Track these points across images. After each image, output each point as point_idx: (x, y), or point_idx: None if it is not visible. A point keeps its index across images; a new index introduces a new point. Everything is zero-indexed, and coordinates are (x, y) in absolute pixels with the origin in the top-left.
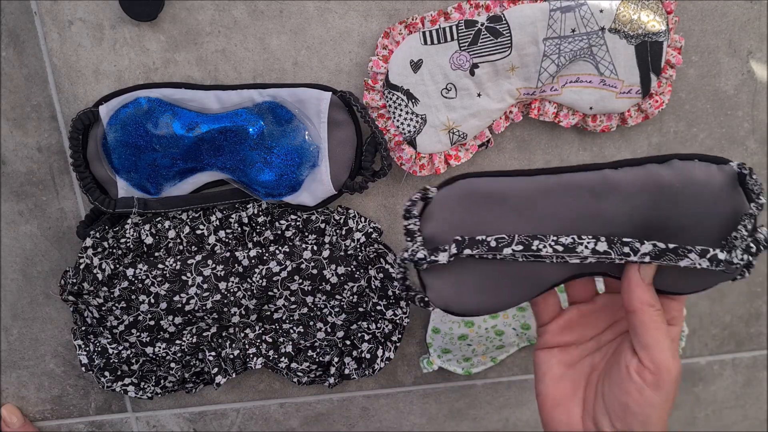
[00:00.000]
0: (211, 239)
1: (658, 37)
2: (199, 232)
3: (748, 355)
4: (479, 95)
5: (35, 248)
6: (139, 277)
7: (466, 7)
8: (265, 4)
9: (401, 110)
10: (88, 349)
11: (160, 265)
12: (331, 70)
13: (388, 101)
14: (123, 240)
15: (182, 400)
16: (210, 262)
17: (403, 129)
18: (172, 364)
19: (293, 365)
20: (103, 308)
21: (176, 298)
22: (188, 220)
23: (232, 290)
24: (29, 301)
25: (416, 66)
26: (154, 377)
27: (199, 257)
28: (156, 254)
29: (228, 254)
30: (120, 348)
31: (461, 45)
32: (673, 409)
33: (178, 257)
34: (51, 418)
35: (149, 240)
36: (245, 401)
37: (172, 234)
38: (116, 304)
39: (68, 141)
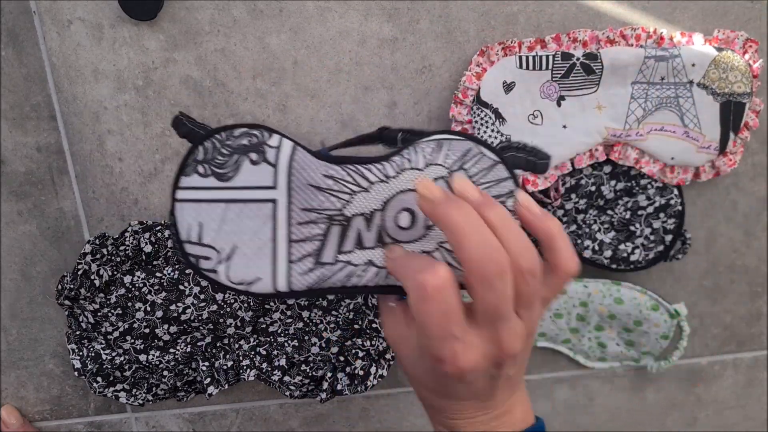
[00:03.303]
0: None
1: (742, 99)
2: None
3: (749, 356)
4: (565, 127)
5: (34, 248)
6: (137, 285)
7: (564, 40)
8: (264, 3)
9: (487, 127)
10: (81, 353)
11: (158, 274)
12: (330, 69)
13: (474, 117)
14: (122, 248)
15: (182, 401)
16: None
17: None
18: (165, 372)
19: (286, 378)
20: (99, 314)
21: (172, 307)
22: None
23: (228, 301)
24: (28, 301)
25: (508, 87)
26: (146, 384)
27: None
28: (154, 263)
29: None
30: (113, 354)
31: (554, 76)
32: (673, 409)
33: (177, 266)
34: (50, 419)
35: (148, 248)
36: (245, 401)
37: (171, 243)
38: (112, 311)
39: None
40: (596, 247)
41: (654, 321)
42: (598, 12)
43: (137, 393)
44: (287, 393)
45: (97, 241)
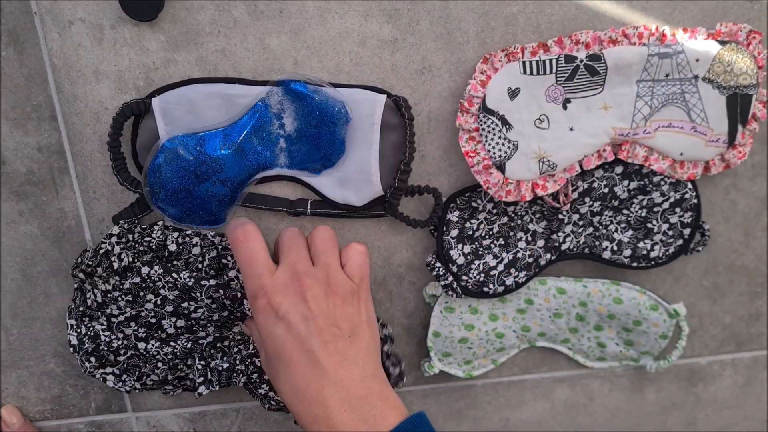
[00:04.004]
0: (232, 273)
1: (749, 90)
2: (224, 261)
3: (749, 356)
4: (572, 129)
5: (35, 248)
6: (152, 278)
7: (567, 42)
8: (264, 4)
9: (494, 135)
10: (79, 330)
11: (174, 275)
12: (330, 70)
13: (481, 125)
14: (148, 239)
15: (182, 400)
16: (221, 291)
17: (494, 153)
18: (159, 364)
19: (270, 394)
20: (108, 295)
21: (184, 305)
22: (219, 245)
23: (242, 310)
24: (29, 301)
25: (513, 94)
26: (137, 372)
27: (213, 282)
28: (174, 263)
29: (239, 294)
30: (112, 337)
31: (558, 79)
32: (672, 409)
33: (195, 275)
34: (51, 418)
35: (173, 247)
36: (245, 401)
37: (196, 251)
38: (123, 296)
39: (111, 121)
40: (615, 248)
41: (653, 321)
42: (597, 12)
43: (126, 379)
44: (266, 406)
45: (125, 225)
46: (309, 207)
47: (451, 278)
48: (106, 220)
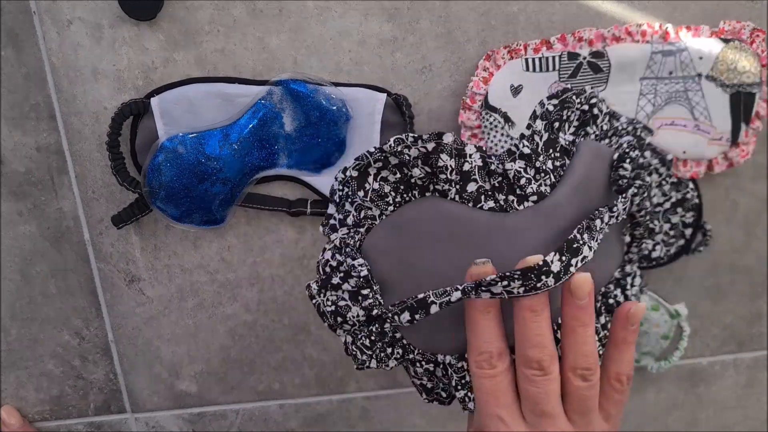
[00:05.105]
0: None
1: (752, 89)
2: None
3: (750, 356)
4: None
5: (34, 248)
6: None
7: (570, 39)
8: (264, 3)
9: (496, 132)
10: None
11: None
12: (330, 69)
13: (484, 122)
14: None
15: (181, 401)
16: None
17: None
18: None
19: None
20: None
21: None
22: None
23: None
24: (28, 302)
25: (516, 91)
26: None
27: None
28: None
29: None
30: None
31: (561, 76)
32: (673, 409)
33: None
34: (50, 419)
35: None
36: (244, 402)
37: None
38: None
39: (110, 121)
40: None
41: (654, 321)
42: (598, 12)
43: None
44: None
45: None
46: (309, 207)
47: None
48: (105, 220)
